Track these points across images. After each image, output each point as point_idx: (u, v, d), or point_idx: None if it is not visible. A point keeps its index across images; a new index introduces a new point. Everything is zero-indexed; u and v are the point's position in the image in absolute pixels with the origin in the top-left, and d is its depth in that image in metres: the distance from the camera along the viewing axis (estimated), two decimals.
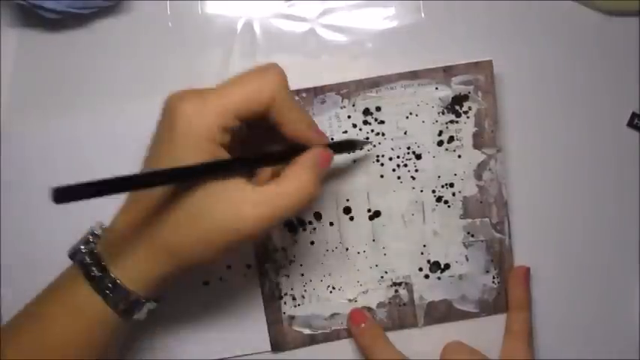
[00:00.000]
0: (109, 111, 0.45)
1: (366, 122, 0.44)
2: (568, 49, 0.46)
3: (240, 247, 0.34)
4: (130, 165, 0.44)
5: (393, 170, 0.44)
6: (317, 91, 0.44)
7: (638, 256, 0.46)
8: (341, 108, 0.44)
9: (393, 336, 0.44)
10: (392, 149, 0.44)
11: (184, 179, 0.32)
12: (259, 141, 0.37)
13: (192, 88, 0.34)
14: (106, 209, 0.38)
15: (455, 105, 0.44)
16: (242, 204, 0.32)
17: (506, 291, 0.45)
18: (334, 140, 0.43)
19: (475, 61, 0.44)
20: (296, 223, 0.44)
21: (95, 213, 0.45)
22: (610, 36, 0.46)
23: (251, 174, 0.36)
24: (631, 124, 0.46)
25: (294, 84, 0.43)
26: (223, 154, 0.33)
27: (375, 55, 0.45)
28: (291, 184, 0.33)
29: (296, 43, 0.46)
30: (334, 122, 0.44)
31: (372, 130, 0.44)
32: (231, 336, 0.45)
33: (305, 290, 0.45)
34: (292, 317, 0.45)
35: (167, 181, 0.31)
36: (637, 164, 0.46)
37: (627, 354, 0.46)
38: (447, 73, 0.43)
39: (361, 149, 0.43)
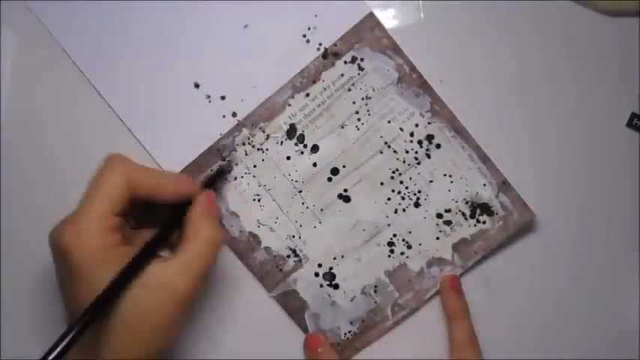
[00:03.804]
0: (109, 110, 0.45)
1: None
2: (568, 49, 0.46)
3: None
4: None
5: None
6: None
7: (638, 256, 0.46)
8: None
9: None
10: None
11: (105, 304, 0.33)
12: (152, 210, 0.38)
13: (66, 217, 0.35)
14: None
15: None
16: (167, 285, 0.34)
17: (442, 303, 0.45)
18: (206, 178, 0.43)
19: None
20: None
21: None
22: (610, 36, 0.46)
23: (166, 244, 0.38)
24: (630, 124, 0.46)
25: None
26: (124, 249, 0.34)
27: None
28: (197, 244, 0.35)
29: None
30: None
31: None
32: None
33: None
34: None
35: (95, 316, 0.32)
36: (636, 165, 0.46)
37: (627, 354, 0.45)
38: None
39: (230, 169, 0.44)
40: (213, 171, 0.44)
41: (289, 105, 0.44)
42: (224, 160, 0.44)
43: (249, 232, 0.45)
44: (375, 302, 0.44)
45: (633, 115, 0.45)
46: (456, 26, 0.46)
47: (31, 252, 0.45)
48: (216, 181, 0.43)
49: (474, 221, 0.44)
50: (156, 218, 0.38)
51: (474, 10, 0.45)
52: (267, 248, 0.45)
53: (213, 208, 0.38)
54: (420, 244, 0.45)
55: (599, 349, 0.45)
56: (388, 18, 0.45)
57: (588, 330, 0.46)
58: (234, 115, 0.44)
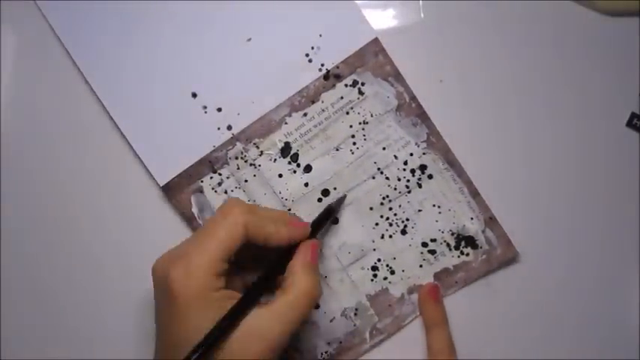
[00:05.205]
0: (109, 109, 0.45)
1: None
2: (568, 49, 0.46)
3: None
4: (133, 163, 0.44)
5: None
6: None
7: (638, 256, 0.46)
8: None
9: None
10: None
11: (212, 345, 0.34)
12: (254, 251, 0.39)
13: (170, 250, 0.37)
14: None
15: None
16: (263, 335, 0.35)
17: (420, 311, 0.45)
18: (313, 220, 0.42)
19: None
20: None
21: (95, 212, 0.45)
22: (610, 36, 0.46)
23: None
24: (630, 124, 0.46)
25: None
26: (227, 293, 0.35)
27: None
28: (293, 295, 0.36)
29: None
30: None
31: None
32: None
33: None
34: None
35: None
36: (636, 164, 0.46)
37: (627, 354, 0.46)
38: None
39: (339, 208, 0.44)
40: (324, 210, 0.43)
41: (286, 123, 0.44)
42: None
43: None
44: (355, 325, 0.45)
45: (633, 115, 0.45)
46: (456, 26, 0.45)
47: (30, 252, 0.45)
48: (323, 221, 0.43)
49: (457, 252, 0.45)
50: (257, 257, 0.40)
51: (474, 10, 0.45)
52: None
53: (316, 258, 0.39)
54: (403, 271, 0.45)
55: (599, 349, 0.46)
56: (388, 18, 0.45)
57: (588, 330, 0.46)
58: (229, 128, 0.44)
